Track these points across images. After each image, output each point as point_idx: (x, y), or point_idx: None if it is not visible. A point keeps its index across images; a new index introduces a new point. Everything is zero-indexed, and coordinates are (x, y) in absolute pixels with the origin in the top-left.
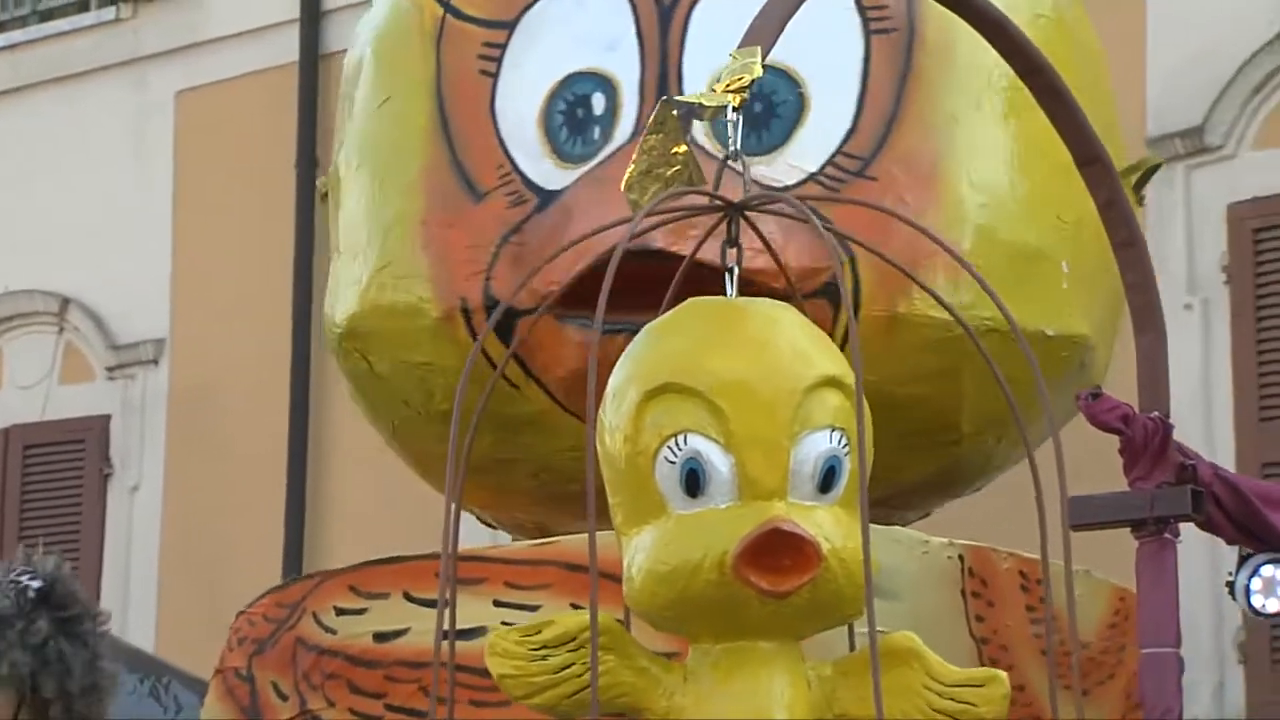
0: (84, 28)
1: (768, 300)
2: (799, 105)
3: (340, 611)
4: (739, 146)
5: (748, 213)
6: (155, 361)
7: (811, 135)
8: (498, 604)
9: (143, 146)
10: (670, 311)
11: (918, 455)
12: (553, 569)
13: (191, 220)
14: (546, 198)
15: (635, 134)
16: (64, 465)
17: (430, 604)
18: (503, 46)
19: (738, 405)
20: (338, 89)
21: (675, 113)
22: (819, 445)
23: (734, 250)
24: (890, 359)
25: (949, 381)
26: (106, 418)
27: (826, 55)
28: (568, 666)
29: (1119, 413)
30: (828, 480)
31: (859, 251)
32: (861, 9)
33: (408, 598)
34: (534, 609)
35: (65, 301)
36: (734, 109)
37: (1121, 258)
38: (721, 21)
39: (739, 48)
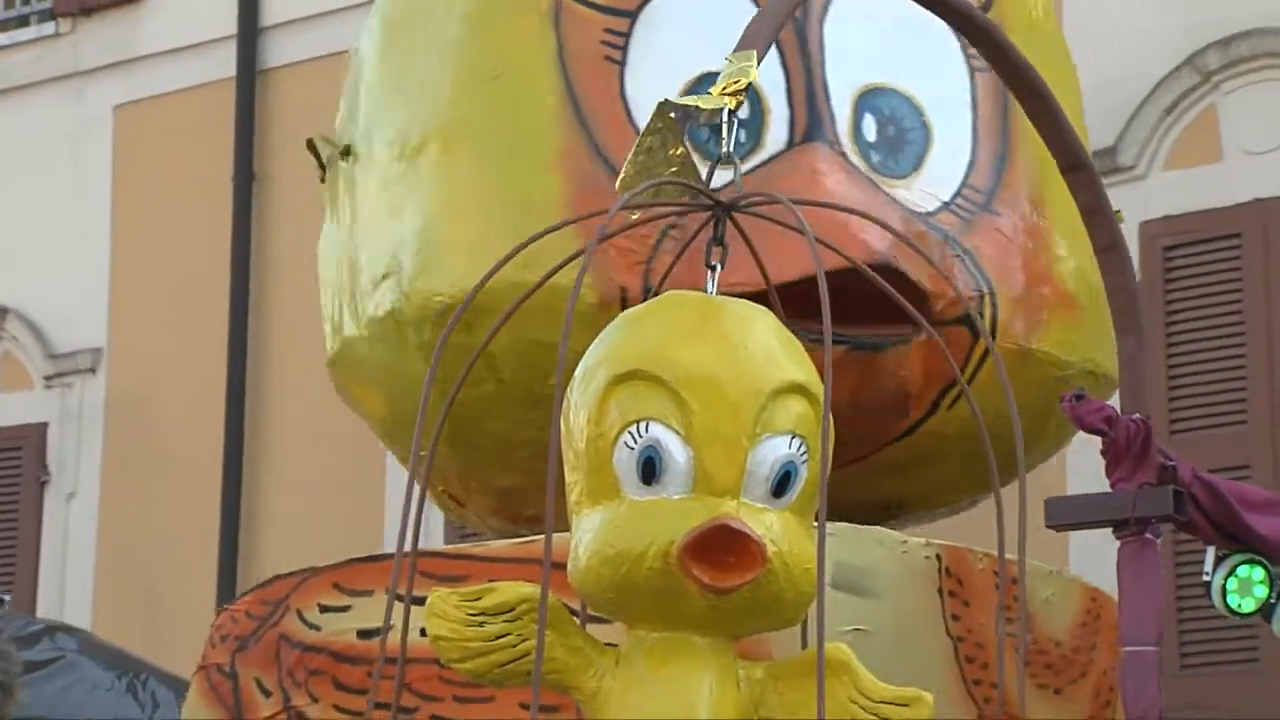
0: (23, 42)
1: (745, 301)
2: (925, 133)
3: (324, 609)
4: (732, 148)
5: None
6: (93, 370)
7: (940, 163)
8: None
9: (82, 159)
10: (647, 302)
11: (980, 482)
12: (534, 566)
13: (130, 231)
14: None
15: (791, 142)
16: (1, 472)
17: (415, 601)
18: (626, 35)
19: (702, 399)
20: (274, 103)
21: (672, 115)
22: (778, 449)
23: (719, 249)
24: (1017, 391)
25: (1042, 420)
26: (44, 425)
27: (940, 87)
28: (503, 636)
29: (1102, 414)
30: (782, 485)
31: (996, 281)
32: (962, 44)
33: (389, 593)
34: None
35: (3, 311)
36: (730, 111)
37: (1104, 261)
38: (854, 34)
39: (734, 51)
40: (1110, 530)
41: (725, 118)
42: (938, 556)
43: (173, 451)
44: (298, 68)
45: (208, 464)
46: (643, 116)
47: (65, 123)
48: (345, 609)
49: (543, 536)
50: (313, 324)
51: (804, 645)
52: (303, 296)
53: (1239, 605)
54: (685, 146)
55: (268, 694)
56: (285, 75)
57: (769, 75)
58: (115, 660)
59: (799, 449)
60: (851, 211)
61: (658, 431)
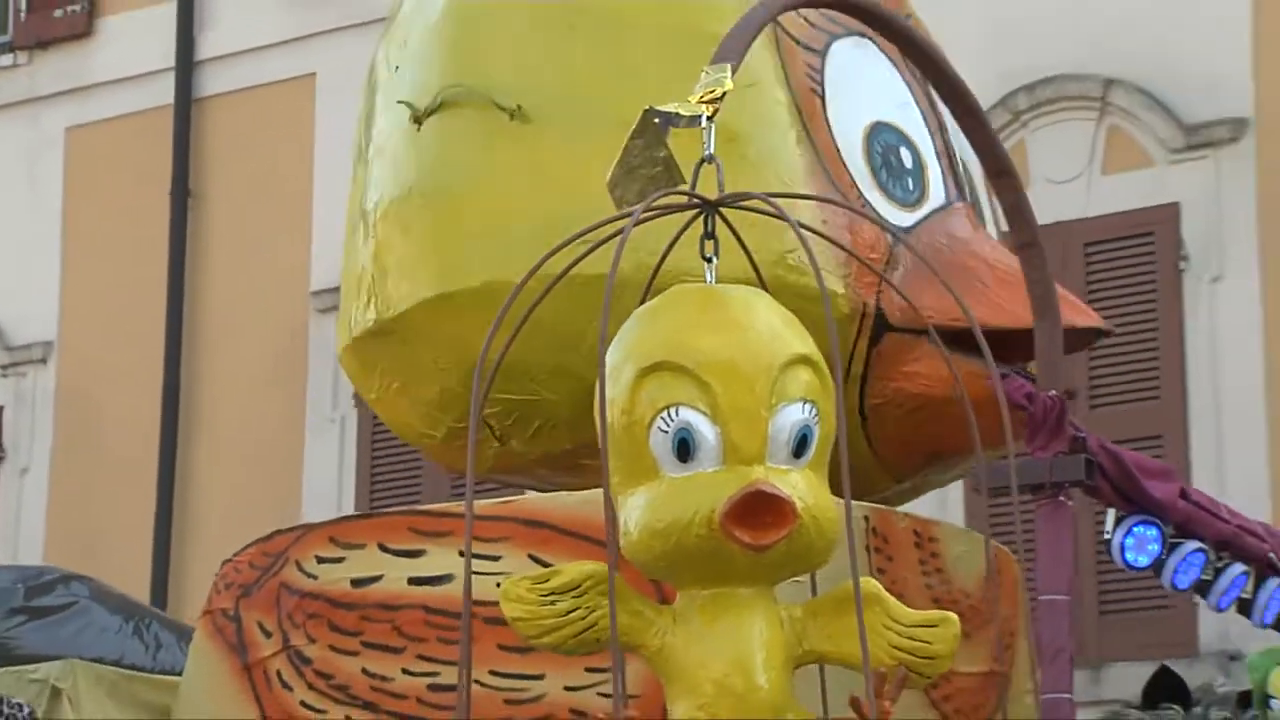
0: None
1: (745, 287)
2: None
3: (321, 560)
4: (712, 150)
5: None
6: (44, 361)
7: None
8: (462, 554)
9: (36, 176)
10: (658, 297)
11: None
12: (511, 524)
13: (79, 240)
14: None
15: (948, 201)
16: None
17: (399, 553)
18: (821, 72)
19: (723, 381)
20: (208, 128)
21: (656, 121)
22: (793, 416)
23: (710, 242)
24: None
25: None
26: (0, 409)
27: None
28: (572, 610)
29: (1024, 390)
30: (800, 446)
31: None
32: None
33: (381, 548)
34: (495, 559)
35: None
36: (708, 119)
37: (1024, 256)
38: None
39: (711, 64)
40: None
41: (704, 124)
42: (865, 517)
43: (114, 434)
44: (229, 96)
45: (145, 445)
46: (845, 151)
47: (22, 143)
48: (340, 560)
49: (522, 497)
50: (238, 324)
51: (813, 589)
52: (231, 300)
53: (1135, 560)
54: (667, 149)
55: (268, 635)
56: (218, 103)
57: (918, 134)
58: (122, 606)
59: (811, 413)
60: (836, 204)
61: (688, 415)
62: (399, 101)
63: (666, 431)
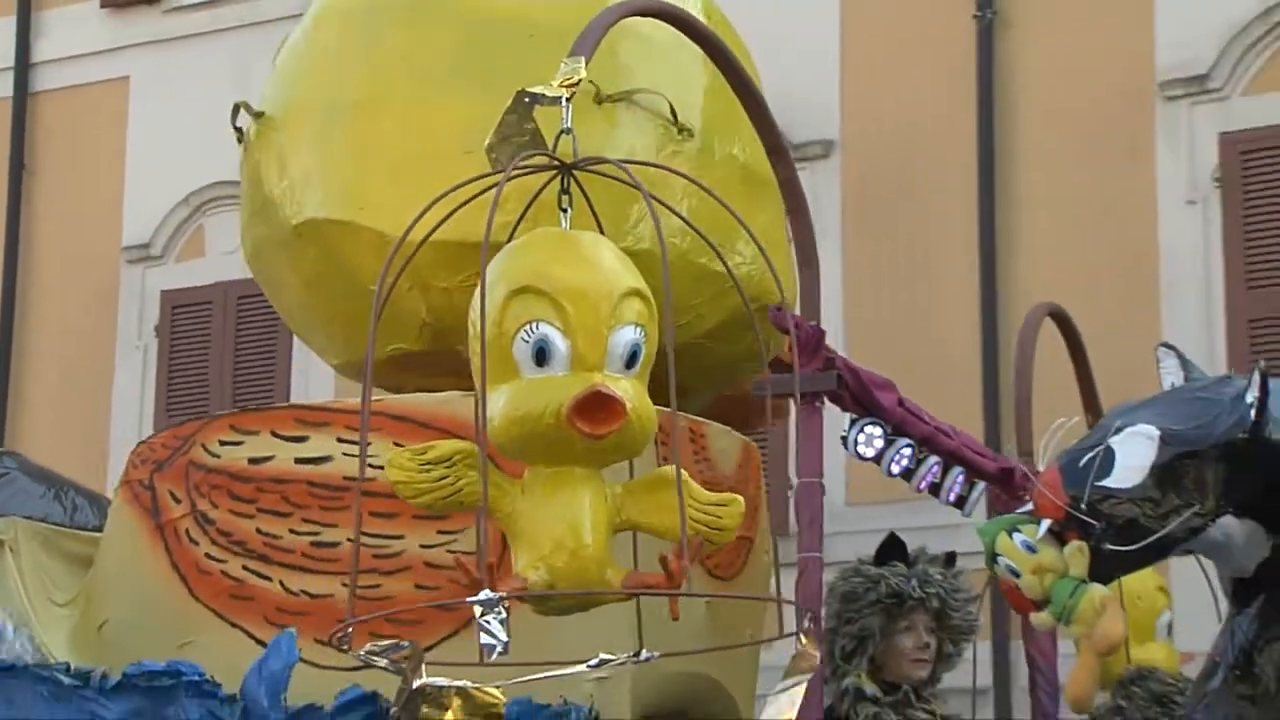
0: None
1: (592, 233)
2: None
3: (223, 443)
4: (569, 125)
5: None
6: None
7: None
8: (339, 440)
9: None
10: (524, 236)
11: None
12: (381, 418)
13: None
14: None
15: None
16: None
17: (287, 439)
18: None
19: (574, 303)
20: (41, 117)
21: (526, 100)
22: (627, 335)
23: (565, 196)
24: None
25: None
26: None
27: None
28: (444, 478)
29: (793, 320)
30: (631, 360)
31: None
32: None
33: (273, 434)
34: (368, 445)
35: None
36: (566, 99)
37: (792, 220)
38: None
39: (568, 57)
40: None
41: (562, 104)
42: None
43: None
44: (58, 93)
45: None
46: None
47: None
48: (239, 443)
49: (390, 397)
50: (64, 274)
51: (631, 473)
52: (58, 253)
53: (864, 452)
54: (534, 122)
55: (178, 501)
56: (49, 98)
57: None
58: (44, 476)
59: (640, 334)
60: (678, 174)
61: (545, 329)
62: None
63: (528, 342)
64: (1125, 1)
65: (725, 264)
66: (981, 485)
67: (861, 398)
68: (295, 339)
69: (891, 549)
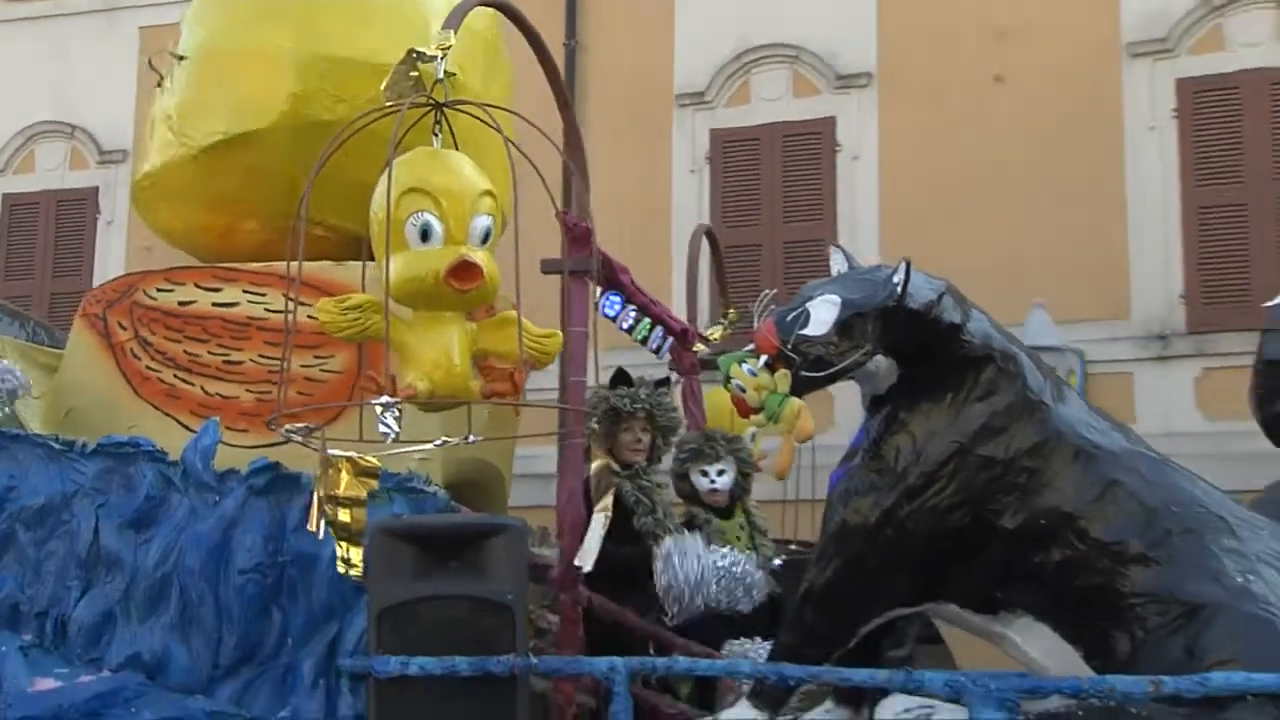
0: None
1: (457, 152)
2: None
3: (159, 290)
4: (444, 74)
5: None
6: None
7: None
8: (244, 291)
9: None
10: (409, 153)
11: None
12: (273, 277)
13: None
14: None
15: None
16: None
17: (208, 289)
18: None
19: (447, 199)
20: None
21: (412, 54)
22: (483, 221)
23: (439, 125)
24: None
25: None
26: None
27: None
28: (357, 319)
29: (571, 220)
30: (485, 239)
31: None
32: None
33: (196, 285)
34: (263, 294)
35: None
36: (440, 58)
37: (568, 151)
38: None
39: (442, 29)
40: None
41: (439, 60)
42: None
43: None
44: None
45: None
46: None
47: None
48: (171, 290)
49: (277, 263)
50: None
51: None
52: None
53: (608, 312)
54: (418, 71)
55: (124, 329)
56: None
57: None
58: (9, 311)
59: (490, 221)
60: (511, 112)
61: (427, 216)
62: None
63: (415, 226)
64: None
65: (537, 171)
66: (670, 340)
67: (610, 277)
68: (97, 247)
69: (619, 378)
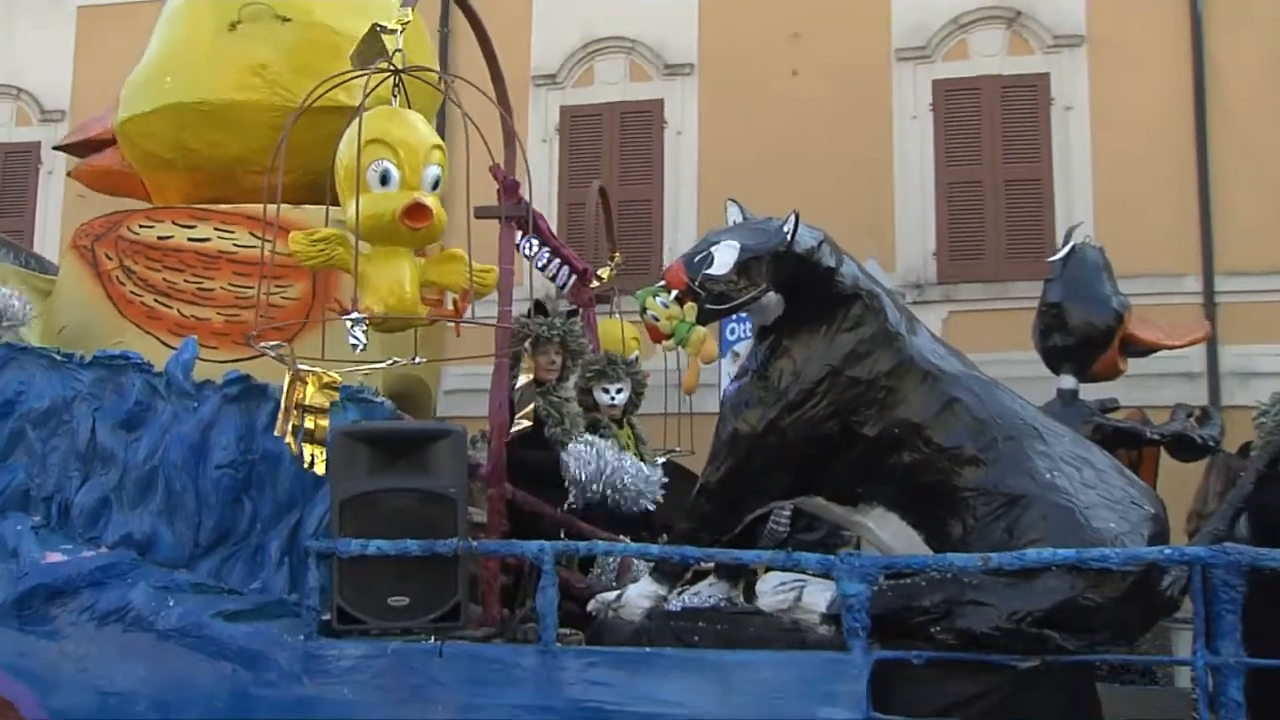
0: None
1: (415, 112)
2: None
3: (141, 226)
4: (401, 46)
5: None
6: None
7: None
8: (215, 229)
9: None
10: (372, 111)
11: None
12: (241, 217)
13: None
14: None
15: None
16: None
17: (183, 225)
18: None
19: (404, 150)
20: None
21: (377, 28)
22: (434, 171)
23: (398, 89)
24: None
25: None
26: None
27: None
28: (324, 250)
29: (503, 175)
30: (435, 185)
31: None
32: None
33: (173, 222)
34: (232, 232)
35: None
36: (400, 32)
37: (503, 115)
38: None
39: (400, 7)
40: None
41: (398, 34)
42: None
43: None
44: None
45: None
46: None
47: None
48: (151, 227)
49: (244, 206)
50: None
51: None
52: None
53: (528, 253)
54: (381, 42)
55: (110, 259)
56: None
57: None
58: (4, 243)
59: (439, 171)
60: (462, 80)
61: (386, 164)
62: None
63: (376, 171)
64: None
65: (475, 125)
66: (574, 277)
67: (535, 223)
68: (38, 193)
69: (538, 308)
